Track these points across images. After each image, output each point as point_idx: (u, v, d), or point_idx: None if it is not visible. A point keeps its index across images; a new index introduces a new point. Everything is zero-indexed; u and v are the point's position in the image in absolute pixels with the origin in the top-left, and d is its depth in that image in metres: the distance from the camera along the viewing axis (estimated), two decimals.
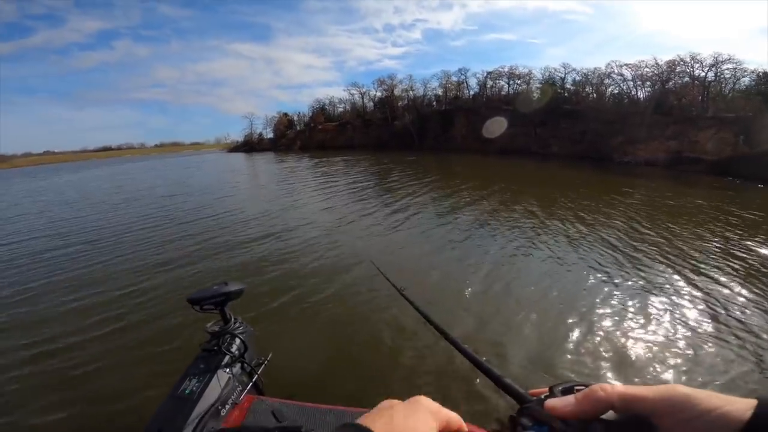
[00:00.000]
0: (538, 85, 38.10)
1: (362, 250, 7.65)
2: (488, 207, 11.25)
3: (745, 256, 6.86)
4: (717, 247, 7.35)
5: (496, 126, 33.46)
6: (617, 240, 7.81)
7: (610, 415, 0.39)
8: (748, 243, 7.57)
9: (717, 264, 6.48)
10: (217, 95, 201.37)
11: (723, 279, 5.89)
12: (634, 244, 7.54)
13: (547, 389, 0.45)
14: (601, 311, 4.93)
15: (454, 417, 0.44)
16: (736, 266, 6.37)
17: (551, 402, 0.41)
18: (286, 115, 64.41)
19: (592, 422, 0.38)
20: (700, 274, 6.09)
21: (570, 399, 0.41)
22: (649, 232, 8.37)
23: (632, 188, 14.77)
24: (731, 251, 7.11)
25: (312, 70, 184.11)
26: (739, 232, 8.40)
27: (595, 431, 0.38)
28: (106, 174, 34.85)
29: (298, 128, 60.94)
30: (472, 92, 44.28)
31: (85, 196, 19.76)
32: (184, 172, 30.01)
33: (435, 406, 0.42)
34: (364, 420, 0.36)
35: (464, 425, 0.44)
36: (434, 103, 47.26)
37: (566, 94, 35.43)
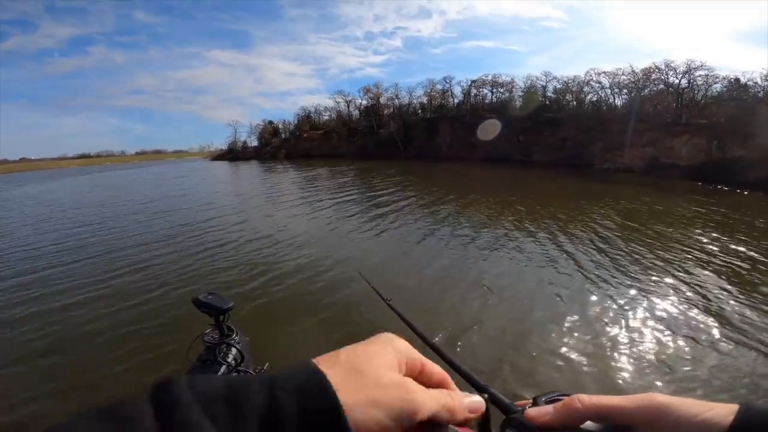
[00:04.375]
0: (521, 94, 38.94)
1: (352, 261, 7.80)
2: (483, 218, 11.46)
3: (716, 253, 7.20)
4: (688, 249, 7.65)
5: (491, 128, 33.83)
6: (606, 246, 8.08)
7: (591, 425, 0.39)
8: (725, 244, 7.93)
9: (687, 263, 6.77)
10: (199, 103, 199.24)
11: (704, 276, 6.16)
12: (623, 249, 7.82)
13: (531, 400, 0.45)
14: (601, 322, 5.05)
15: (426, 361, 0.41)
16: (714, 263, 6.67)
17: (530, 411, 0.42)
18: (270, 123, 64.15)
19: None
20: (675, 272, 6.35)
21: (548, 409, 0.41)
22: (630, 235, 8.67)
23: (616, 195, 15.16)
24: (696, 251, 7.43)
25: (294, 78, 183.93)
26: (721, 234, 8.77)
27: None
28: (84, 185, 33.99)
29: (283, 136, 60.75)
30: (456, 100, 45.00)
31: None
32: (175, 183, 29.52)
33: (401, 343, 0.39)
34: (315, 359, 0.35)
35: (443, 377, 0.42)
36: (419, 111, 47.80)
37: (547, 102, 36.25)
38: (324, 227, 11.33)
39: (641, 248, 8.25)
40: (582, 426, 0.39)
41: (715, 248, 8.25)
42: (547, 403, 0.43)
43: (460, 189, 17.89)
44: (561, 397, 0.43)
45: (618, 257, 7.71)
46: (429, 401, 0.35)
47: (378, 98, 50.50)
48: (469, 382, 0.52)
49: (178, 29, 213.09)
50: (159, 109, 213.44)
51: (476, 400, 0.41)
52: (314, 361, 0.33)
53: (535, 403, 0.43)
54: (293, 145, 56.07)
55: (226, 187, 25.72)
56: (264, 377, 0.30)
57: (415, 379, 0.38)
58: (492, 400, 0.46)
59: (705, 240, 8.93)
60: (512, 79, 39.93)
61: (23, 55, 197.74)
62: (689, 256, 7.72)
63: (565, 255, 7.92)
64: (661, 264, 7.29)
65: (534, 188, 18.73)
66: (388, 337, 0.39)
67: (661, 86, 31.04)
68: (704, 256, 7.73)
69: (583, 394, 0.40)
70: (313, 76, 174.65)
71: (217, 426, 0.25)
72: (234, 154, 62.77)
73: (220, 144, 71.07)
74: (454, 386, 0.42)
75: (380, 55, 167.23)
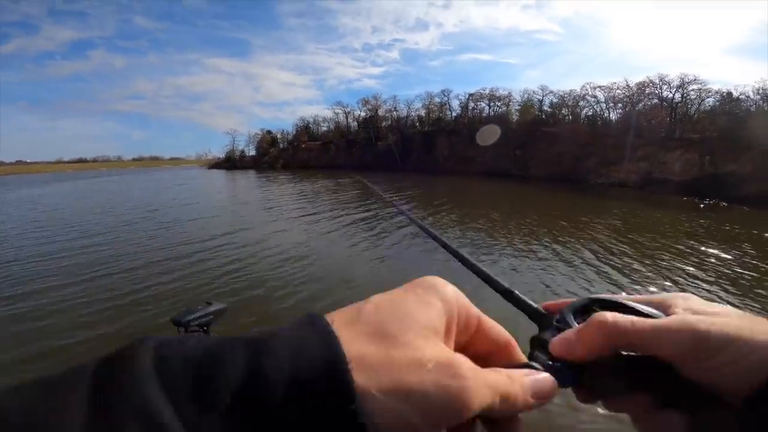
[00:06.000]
0: (517, 107, 39.50)
1: (366, 286, 7.82)
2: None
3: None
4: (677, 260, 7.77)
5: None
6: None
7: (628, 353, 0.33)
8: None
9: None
10: (197, 110, 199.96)
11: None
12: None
13: (566, 303, 0.39)
14: None
15: (484, 318, 0.31)
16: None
17: (554, 343, 0.33)
18: (269, 132, 64.50)
19: (608, 359, 0.32)
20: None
21: (571, 337, 0.32)
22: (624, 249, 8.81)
23: (618, 211, 15.31)
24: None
25: (292, 88, 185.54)
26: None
27: (608, 370, 0.33)
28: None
29: (281, 146, 61.08)
30: (454, 114, 45.52)
31: None
32: (173, 193, 29.52)
33: (450, 292, 0.29)
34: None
35: (505, 340, 0.32)
36: (417, 124, 48.29)
37: (543, 116, 36.74)
38: (339, 245, 11.25)
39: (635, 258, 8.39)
40: (621, 352, 0.32)
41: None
42: (577, 313, 0.36)
43: (466, 205, 18.00)
44: (594, 309, 0.36)
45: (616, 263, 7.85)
46: (483, 390, 0.24)
47: (376, 110, 51.00)
48: (487, 282, 0.44)
49: (178, 35, 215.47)
50: (157, 115, 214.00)
51: (541, 379, 0.29)
52: (327, 317, 0.23)
53: (563, 316, 0.36)
54: (291, 156, 56.33)
55: (227, 198, 25.73)
56: (251, 338, 0.22)
57: (467, 344, 0.29)
58: (518, 305, 0.40)
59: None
60: (509, 93, 40.64)
61: (24, 58, 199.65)
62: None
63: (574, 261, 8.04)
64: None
65: (535, 204, 18.92)
66: (433, 283, 0.29)
67: (655, 100, 31.60)
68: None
69: (609, 312, 0.32)
70: (311, 87, 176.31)
71: (178, 410, 0.18)
72: (231, 162, 62.95)
73: (218, 152, 71.41)
74: (518, 350, 0.33)
75: (378, 66, 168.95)
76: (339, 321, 0.23)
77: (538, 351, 0.34)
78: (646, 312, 0.33)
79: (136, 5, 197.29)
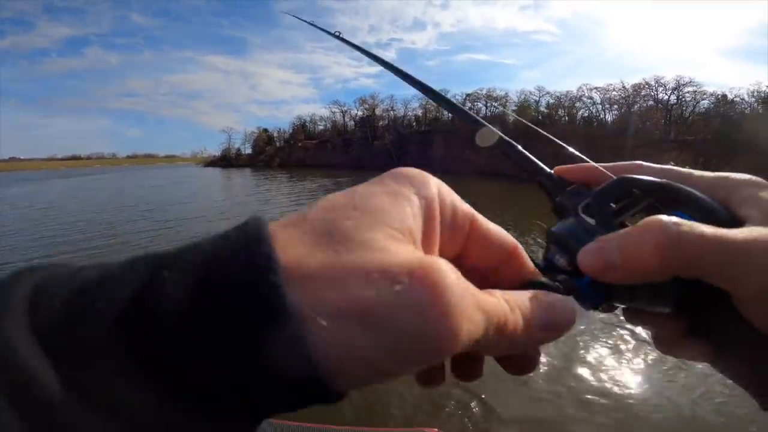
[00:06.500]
0: (514, 108, 39.66)
1: None
2: None
3: None
4: None
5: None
6: None
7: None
8: None
9: None
10: (193, 108, 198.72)
11: None
12: None
13: (591, 169, 0.29)
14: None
15: (478, 218, 0.22)
16: None
17: (583, 255, 0.22)
18: (265, 131, 64.20)
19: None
20: None
21: (609, 251, 0.21)
22: None
23: None
24: None
25: (289, 86, 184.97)
26: None
27: (651, 294, 0.23)
28: None
29: (277, 145, 60.89)
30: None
31: None
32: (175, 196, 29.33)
33: (430, 185, 0.21)
34: None
35: (509, 245, 0.23)
36: (414, 123, 48.38)
37: (540, 117, 36.94)
38: None
39: None
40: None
41: None
42: (615, 200, 0.26)
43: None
44: (637, 193, 0.26)
45: None
46: (473, 314, 0.16)
47: (373, 109, 51.03)
48: (473, 123, 0.35)
49: (174, 33, 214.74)
50: (152, 113, 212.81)
51: (555, 305, 0.20)
52: (271, 223, 0.17)
53: (595, 208, 0.25)
54: (287, 154, 56.12)
55: (226, 197, 25.59)
56: (161, 252, 0.15)
57: (457, 255, 0.22)
58: (522, 163, 0.30)
59: None
60: (506, 93, 40.94)
61: (18, 55, 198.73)
62: None
63: None
64: None
65: (534, 202, 19.04)
66: (409, 172, 0.21)
67: (651, 102, 31.88)
68: None
69: (674, 217, 0.21)
70: (308, 85, 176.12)
71: (51, 353, 0.12)
72: (227, 161, 62.68)
73: (214, 150, 71.09)
74: (527, 260, 0.24)
75: (375, 66, 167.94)
76: (281, 223, 0.17)
77: (558, 254, 0.24)
78: (716, 211, 0.23)
79: (133, 2, 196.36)
